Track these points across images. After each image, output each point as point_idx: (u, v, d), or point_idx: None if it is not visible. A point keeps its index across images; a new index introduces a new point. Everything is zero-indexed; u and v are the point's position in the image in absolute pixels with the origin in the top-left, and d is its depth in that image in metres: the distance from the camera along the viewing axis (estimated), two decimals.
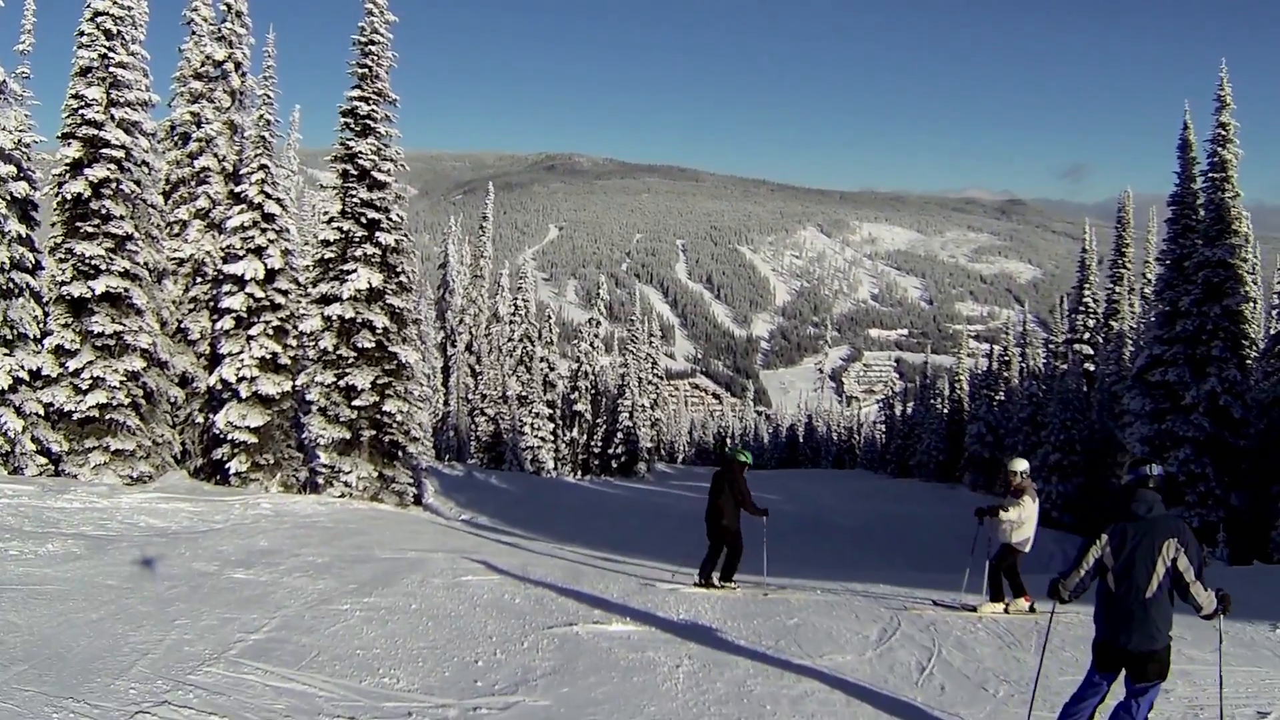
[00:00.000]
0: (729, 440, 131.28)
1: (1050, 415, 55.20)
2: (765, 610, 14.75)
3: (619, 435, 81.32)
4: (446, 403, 71.06)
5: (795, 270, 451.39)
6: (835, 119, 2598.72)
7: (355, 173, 30.79)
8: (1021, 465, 15.41)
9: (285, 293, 30.97)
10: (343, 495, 29.69)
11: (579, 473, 78.64)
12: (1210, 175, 38.63)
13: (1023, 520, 14.99)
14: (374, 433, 30.48)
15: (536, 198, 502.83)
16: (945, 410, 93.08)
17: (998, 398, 78.52)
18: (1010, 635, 13.46)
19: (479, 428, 70.91)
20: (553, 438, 72.73)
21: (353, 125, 31.02)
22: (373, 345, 30.17)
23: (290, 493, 30.35)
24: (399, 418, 30.47)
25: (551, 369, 77.70)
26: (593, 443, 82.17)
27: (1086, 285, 63.63)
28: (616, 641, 12.06)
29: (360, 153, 30.64)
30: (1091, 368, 60.40)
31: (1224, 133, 38.24)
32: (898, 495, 71.36)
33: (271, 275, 30.61)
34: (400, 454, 31.44)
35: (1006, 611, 15.01)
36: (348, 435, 30.06)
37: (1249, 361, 38.88)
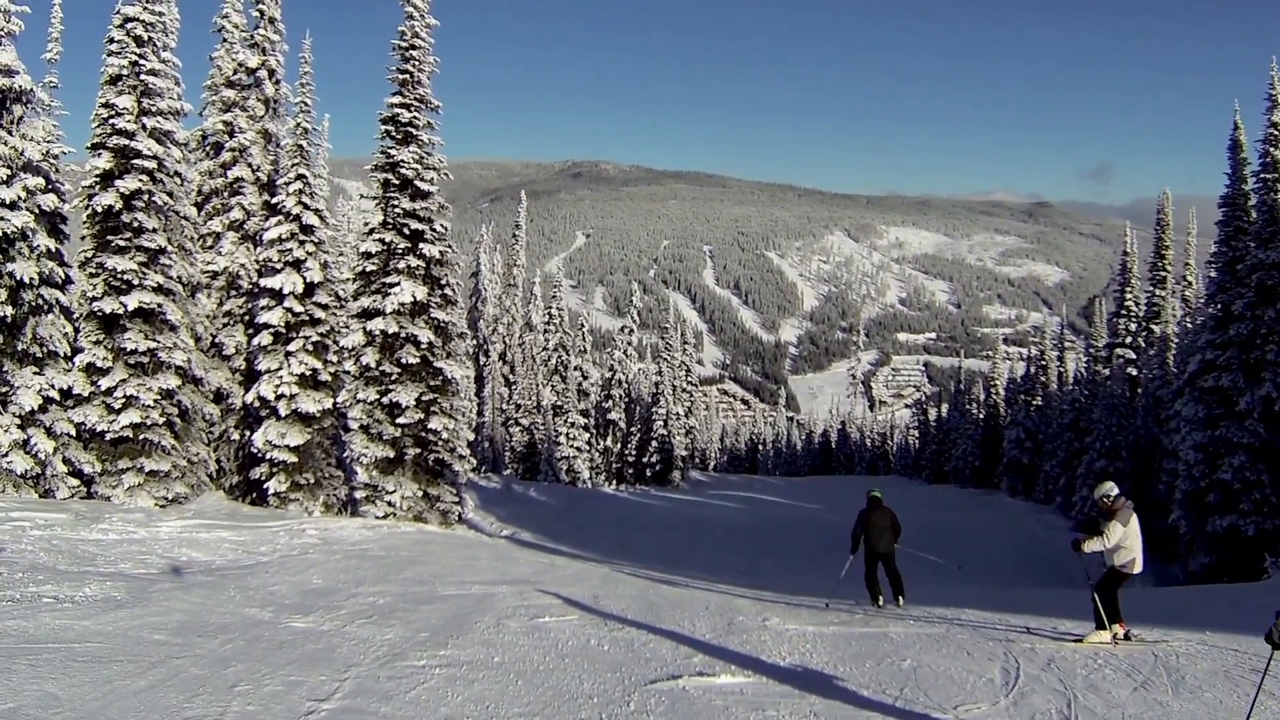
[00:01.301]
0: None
1: (1095, 421, 54.21)
2: (872, 649, 13.72)
3: (654, 444, 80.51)
4: (480, 413, 70.53)
5: (823, 275, 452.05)
6: (861, 124, 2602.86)
7: (397, 182, 29.88)
8: (1106, 488, 14.49)
9: (325, 307, 30.01)
10: (386, 515, 28.72)
11: (614, 482, 77.78)
12: (1262, 176, 37.55)
13: (1119, 544, 14.05)
14: (418, 451, 29.57)
15: (563, 205, 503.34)
16: (981, 415, 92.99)
17: (1035, 403, 77.88)
18: (1138, 673, 12.48)
19: (513, 438, 70.61)
20: (588, 447, 71.94)
21: (394, 133, 30.10)
22: (417, 361, 29.26)
23: (331, 513, 29.41)
24: (444, 435, 29.58)
25: (585, 378, 77.03)
26: (627, 451, 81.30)
27: (1128, 288, 62.50)
28: (731, 699, 10.85)
29: (402, 161, 29.70)
30: (1134, 372, 59.17)
31: (1275, 132, 37.24)
32: (937, 502, 70.61)
33: (310, 289, 29.66)
34: (445, 472, 30.42)
35: (1115, 641, 14.19)
36: (391, 454, 29.11)
37: None
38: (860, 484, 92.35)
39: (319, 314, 29.75)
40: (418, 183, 29.88)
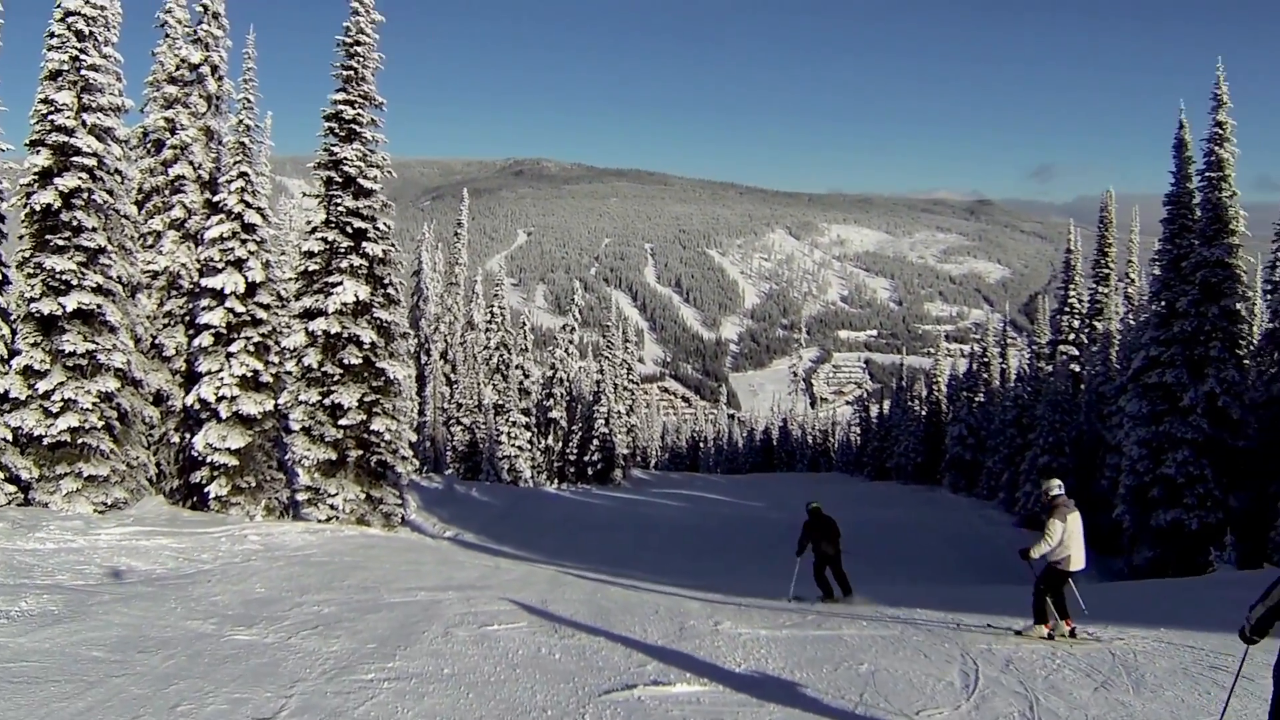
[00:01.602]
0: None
1: (1039, 417, 54.70)
2: (828, 653, 13.61)
3: (595, 442, 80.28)
4: (422, 413, 69.84)
5: (764, 273, 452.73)
6: (803, 122, 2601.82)
7: (340, 180, 29.50)
8: (1050, 484, 14.92)
9: (267, 307, 29.60)
10: (329, 519, 28.37)
11: (556, 481, 77.77)
12: (1207, 175, 38.05)
13: (1052, 542, 14.28)
14: (361, 453, 29.24)
15: (505, 203, 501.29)
16: (923, 412, 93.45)
17: (978, 399, 78.38)
18: (1097, 672, 12.52)
19: (455, 437, 70.33)
20: (529, 446, 71.62)
21: (337, 130, 29.72)
22: (359, 361, 28.87)
23: (273, 516, 29.00)
24: (387, 436, 29.24)
25: (526, 376, 76.78)
26: (569, 450, 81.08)
27: (1071, 285, 62.86)
28: (689, 709, 10.65)
29: (345, 159, 29.35)
30: (1078, 368, 59.70)
31: (1221, 132, 37.74)
32: (880, 499, 71.22)
33: (252, 289, 29.23)
34: (388, 474, 30.09)
35: (1050, 638, 14.53)
36: (333, 456, 28.77)
37: (1246, 362, 38.47)
38: (801, 481, 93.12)
39: (261, 314, 29.31)
40: (361, 181, 29.51)
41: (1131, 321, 57.12)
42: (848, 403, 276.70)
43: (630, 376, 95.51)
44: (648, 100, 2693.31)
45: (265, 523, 27.17)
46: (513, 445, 68.69)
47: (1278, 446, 35.91)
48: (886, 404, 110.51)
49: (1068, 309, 62.49)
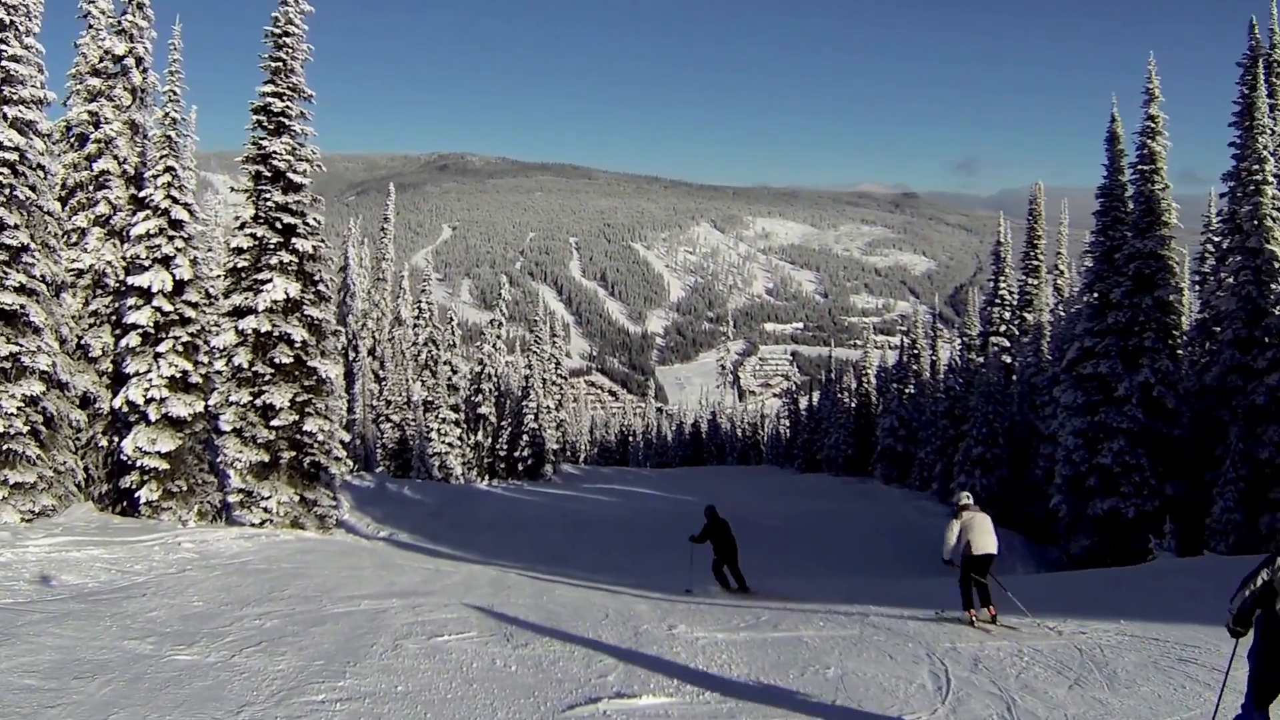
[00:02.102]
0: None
1: (972, 409, 54.64)
2: (792, 657, 13.43)
3: (525, 438, 79.70)
4: (351, 410, 68.92)
5: (689, 266, 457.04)
6: (727, 115, 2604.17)
7: (269, 174, 28.81)
8: (960, 495, 17.58)
9: (195, 305, 28.79)
10: (263, 522, 27.70)
11: (486, 477, 77.46)
12: (1139, 168, 38.46)
13: (950, 540, 16.60)
14: (294, 454, 28.62)
15: (430, 198, 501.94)
16: (853, 404, 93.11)
17: (908, 391, 78.76)
18: (1068, 669, 12.55)
19: (385, 435, 69.88)
20: (460, 443, 71.09)
21: (266, 123, 29.00)
22: (291, 360, 28.26)
23: (205, 521, 28.23)
24: (320, 437, 28.66)
25: (455, 372, 76.08)
26: (498, 446, 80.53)
27: (1002, 277, 63.28)
28: None
29: (274, 153, 28.68)
30: (1009, 360, 60.13)
31: (1153, 125, 38.20)
32: (812, 491, 71.24)
33: (180, 287, 28.41)
34: (321, 475, 29.48)
35: (972, 624, 16.15)
36: (266, 458, 28.09)
37: (1179, 352, 38.82)
38: (732, 474, 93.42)
39: (189, 313, 28.50)
40: (290, 175, 28.86)
41: (1062, 313, 57.31)
42: (775, 395, 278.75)
43: (559, 371, 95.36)
44: (572, 93, 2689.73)
45: (199, 528, 26.35)
46: (443, 442, 68.24)
47: (1210, 435, 36.16)
48: (816, 396, 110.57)
49: (998, 301, 62.86)
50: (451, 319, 79.80)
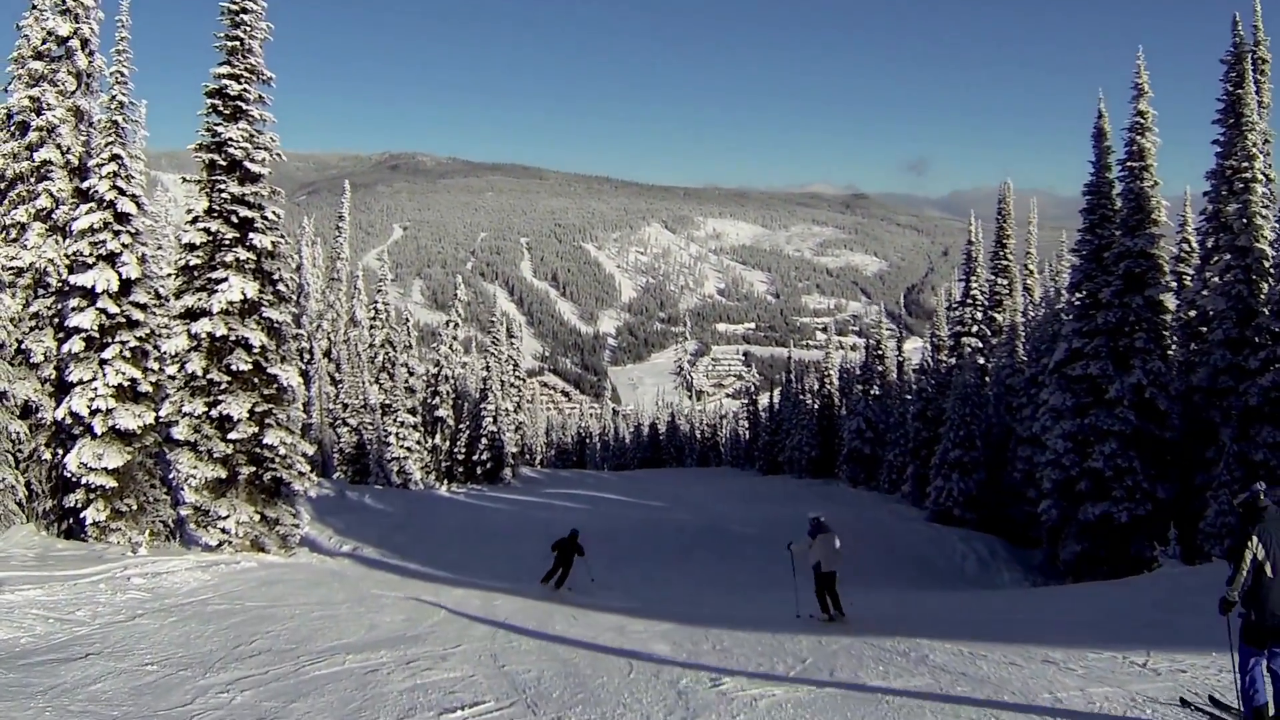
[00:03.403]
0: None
1: (948, 412, 53.68)
2: None
3: (484, 441, 78.16)
4: (307, 414, 66.87)
5: (641, 267, 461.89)
6: (678, 115, 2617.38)
7: (224, 163, 26.58)
8: (811, 516, 21.39)
9: (144, 307, 26.44)
10: (220, 544, 25.45)
11: (446, 481, 75.26)
12: (1128, 164, 38.22)
13: (809, 552, 20.66)
14: (253, 469, 26.42)
15: (381, 198, 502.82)
16: (815, 405, 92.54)
17: (873, 392, 77.90)
18: None
19: (342, 439, 68.12)
20: (418, 447, 69.30)
21: (221, 108, 26.74)
22: (249, 367, 26.11)
23: (158, 541, 25.97)
24: (282, 450, 26.56)
25: (411, 374, 74.22)
26: (456, 449, 78.72)
27: (973, 277, 62.60)
28: None
29: (231, 140, 26.41)
30: (982, 360, 59.16)
31: (1142, 121, 37.96)
32: (779, 495, 69.68)
33: (127, 286, 26.06)
34: (284, 491, 27.39)
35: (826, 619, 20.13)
36: (223, 473, 25.84)
37: (1169, 352, 38.34)
38: (693, 476, 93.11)
39: (137, 315, 26.14)
40: (248, 164, 26.64)
41: (1033, 313, 57.74)
42: (728, 395, 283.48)
43: (516, 374, 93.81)
44: (523, 93, 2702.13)
45: (150, 556, 23.88)
46: (401, 446, 66.40)
47: (1200, 437, 35.93)
48: (776, 394, 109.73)
49: (970, 300, 62.24)
50: (407, 320, 78.38)
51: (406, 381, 71.99)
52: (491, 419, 78.14)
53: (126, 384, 25.50)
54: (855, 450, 75.60)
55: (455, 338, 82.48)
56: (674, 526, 45.64)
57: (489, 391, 79.44)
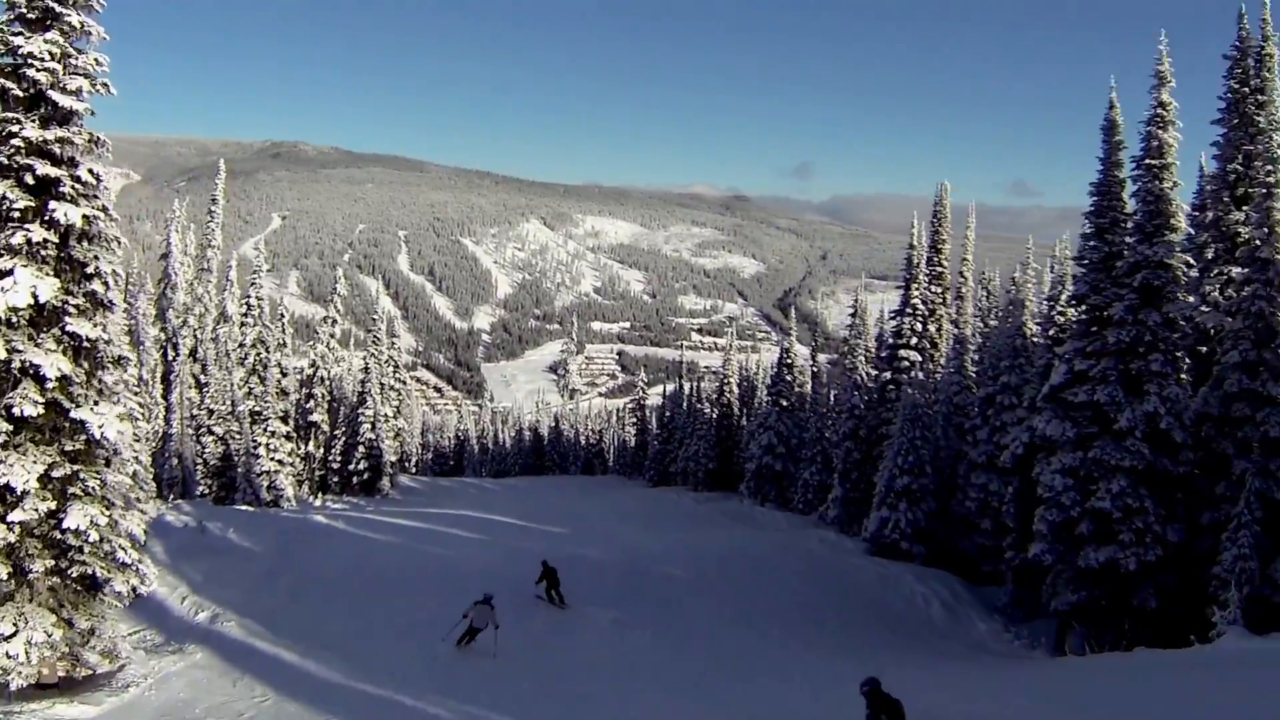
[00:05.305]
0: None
1: (895, 433, 48.36)
2: None
3: (360, 449, 72.65)
4: (168, 423, 61.50)
5: (517, 263, 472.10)
6: (560, 112, 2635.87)
7: (22, 94, 18.07)
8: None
9: None
10: (2, 683, 17.08)
11: (319, 494, 70.03)
12: (1146, 162, 33.84)
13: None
14: (52, 563, 17.90)
15: (261, 186, 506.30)
16: (714, 414, 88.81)
17: (783, 404, 73.07)
18: None
19: (206, 450, 61.67)
20: (290, 458, 63.21)
21: (21, 6, 18.00)
22: (40, 411, 17.71)
23: None
24: (94, 535, 17.99)
25: (284, 375, 67.69)
26: (331, 458, 73.45)
27: (914, 284, 57.63)
28: None
29: (31, 57, 17.84)
30: (922, 375, 54.81)
31: (1163, 113, 33.63)
32: (684, 515, 65.90)
33: None
34: (104, 589, 18.78)
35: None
36: (3, 572, 17.05)
37: (1184, 376, 33.94)
38: (581, 486, 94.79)
39: None
40: (55, 95, 18.25)
41: (982, 325, 54.91)
42: (601, 394, 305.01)
43: (396, 375, 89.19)
44: (406, 83, 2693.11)
45: None
46: (272, 459, 60.08)
47: (1209, 470, 32.03)
48: (654, 397, 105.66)
49: (910, 310, 57.11)
50: (283, 315, 71.50)
51: (279, 383, 66.13)
52: (370, 425, 73.03)
53: None
54: (766, 466, 71.09)
55: (333, 335, 77.65)
56: (589, 568, 38.94)
57: (368, 395, 74.31)
